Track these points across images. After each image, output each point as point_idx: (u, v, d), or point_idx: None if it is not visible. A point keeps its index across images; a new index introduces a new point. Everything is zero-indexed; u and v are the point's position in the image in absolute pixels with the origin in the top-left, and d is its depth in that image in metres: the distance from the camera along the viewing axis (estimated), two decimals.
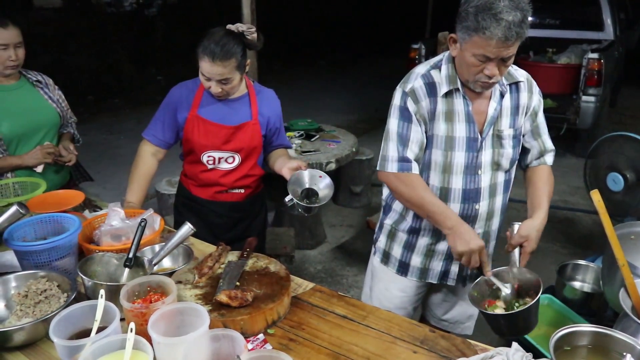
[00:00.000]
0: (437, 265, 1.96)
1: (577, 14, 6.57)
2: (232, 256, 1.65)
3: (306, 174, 1.99)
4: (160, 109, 2.19)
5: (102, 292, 1.29)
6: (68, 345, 1.19)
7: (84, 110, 7.64)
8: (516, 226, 1.73)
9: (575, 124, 5.52)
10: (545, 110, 6.18)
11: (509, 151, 1.80)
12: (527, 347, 1.96)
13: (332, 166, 3.55)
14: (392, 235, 2.00)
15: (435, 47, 6.12)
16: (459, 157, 1.75)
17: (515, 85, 1.79)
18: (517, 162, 1.89)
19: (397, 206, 1.95)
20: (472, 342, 1.38)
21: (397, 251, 1.99)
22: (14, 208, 1.51)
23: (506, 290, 1.64)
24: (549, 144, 1.89)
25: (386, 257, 2.03)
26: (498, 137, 1.77)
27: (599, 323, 1.34)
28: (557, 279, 2.48)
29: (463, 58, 1.62)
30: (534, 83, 1.84)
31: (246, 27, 1.97)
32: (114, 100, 9.04)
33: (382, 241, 2.04)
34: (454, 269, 1.96)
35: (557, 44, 6.17)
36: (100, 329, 1.25)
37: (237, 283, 1.49)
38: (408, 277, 1.99)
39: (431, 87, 1.72)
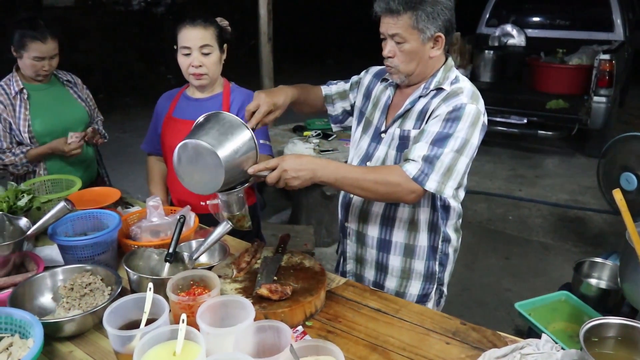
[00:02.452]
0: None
1: (588, 14, 6.61)
2: (267, 252, 1.71)
3: None
4: (152, 120, 2.31)
5: (150, 285, 1.34)
6: (121, 335, 1.25)
7: None
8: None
9: (587, 124, 5.57)
10: (556, 111, 6.23)
11: (392, 152, 1.71)
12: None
13: None
14: None
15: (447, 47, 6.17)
16: (364, 142, 1.82)
17: (438, 91, 1.66)
18: None
19: None
20: (502, 334, 1.43)
21: None
22: (61, 204, 1.58)
23: None
24: (414, 154, 1.55)
25: None
26: (393, 137, 1.72)
27: None
28: (574, 276, 2.53)
29: None
30: (458, 97, 1.60)
31: (220, 20, 2.12)
32: (125, 99, 9.12)
33: None
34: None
35: (568, 45, 6.21)
36: (147, 321, 1.32)
37: (275, 277, 1.56)
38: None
39: (381, 73, 1.87)
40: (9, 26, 2.35)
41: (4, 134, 2.37)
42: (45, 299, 1.51)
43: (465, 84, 1.66)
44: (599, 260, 2.64)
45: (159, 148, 2.30)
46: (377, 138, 1.79)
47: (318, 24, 13.47)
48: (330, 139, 4.02)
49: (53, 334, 1.38)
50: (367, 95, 1.89)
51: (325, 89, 2.00)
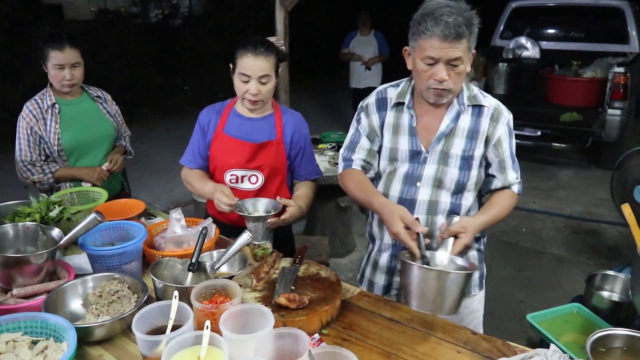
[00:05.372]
0: (380, 279, 1.99)
1: (602, 26, 6.63)
2: (285, 262, 1.79)
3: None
4: (193, 133, 2.24)
5: (176, 293, 1.42)
6: (149, 340, 1.33)
7: None
8: (456, 218, 1.75)
9: (601, 137, 5.59)
10: (570, 124, 6.24)
11: (453, 171, 1.78)
12: None
13: None
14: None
15: None
16: (402, 167, 1.84)
17: (478, 108, 1.79)
18: (472, 188, 1.85)
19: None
20: (512, 344, 1.48)
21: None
22: (92, 216, 1.67)
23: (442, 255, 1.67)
24: (512, 177, 1.85)
25: (372, 238, 2.08)
26: (445, 155, 1.79)
27: None
28: (586, 288, 2.56)
29: (415, 68, 1.71)
30: (503, 114, 1.80)
31: (275, 39, 2.12)
32: (143, 110, 9.29)
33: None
34: (396, 279, 1.95)
35: (582, 57, 6.23)
36: (172, 327, 1.39)
37: (292, 287, 1.63)
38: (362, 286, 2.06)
39: (382, 102, 1.88)
40: (36, 39, 2.48)
41: (34, 146, 2.48)
42: (76, 305, 1.60)
43: (491, 98, 1.83)
44: (611, 272, 2.66)
45: (200, 162, 2.23)
46: (416, 159, 1.82)
47: (332, 35, 13.60)
48: None
49: (84, 338, 1.46)
50: (382, 131, 1.88)
51: (359, 165, 1.92)
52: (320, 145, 4.14)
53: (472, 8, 1.64)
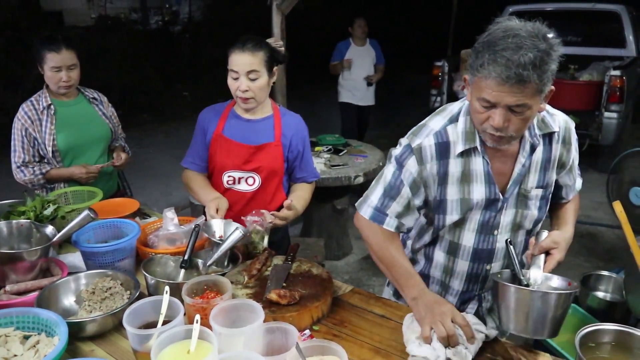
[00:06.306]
0: None
1: (600, 31, 6.67)
2: (277, 260, 1.80)
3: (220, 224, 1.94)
4: (194, 135, 2.23)
5: (167, 288, 1.43)
6: (140, 334, 1.34)
7: None
8: (544, 233, 1.58)
9: (598, 140, 5.61)
10: None
11: (534, 212, 1.61)
12: (554, 353, 2.05)
13: (360, 179, 3.68)
14: None
15: (458, 65, 6.25)
16: (476, 215, 1.59)
17: (548, 136, 1.56)
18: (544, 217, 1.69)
19: (406, 250, 1.84)
20: (502, 340, 1.49)
21: None
22: (85, 212, 1.68)
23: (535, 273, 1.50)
24: (579, 184, 1.75)
25: (397, 293, 1.86)
26: (524, 197, 1.58)
27: None
28: (581, 289, 2.56)
29: (471, 104, 1.44)
30: (572, 131, 1.59)
31: (273, 40, 2.13)
32: (143, 115, 9.32)
33: None
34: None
35: (579, 61, 6.26)
36: (163, 322, 1.40)
37: (284, 284, 1.63)
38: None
39: (444, 147, 1.53)
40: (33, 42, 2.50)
41: (27, 147, 2.49)
42: (69, 302, 1.61)
43: (557, 112, 1.59)
44: (605, 273, 2.67)
45: (201, 164, 2.21)
46: (493, 207, 1.58)
47: (330, 41, 13.65)
48: (341, 154, 4.11)
49: (76, 333, 1.46)
50: (442, 182, 1.56)
51: (393, 225, 1.59)
52: (317, 148, 4.16)
53: (556, 34, 1.34)
